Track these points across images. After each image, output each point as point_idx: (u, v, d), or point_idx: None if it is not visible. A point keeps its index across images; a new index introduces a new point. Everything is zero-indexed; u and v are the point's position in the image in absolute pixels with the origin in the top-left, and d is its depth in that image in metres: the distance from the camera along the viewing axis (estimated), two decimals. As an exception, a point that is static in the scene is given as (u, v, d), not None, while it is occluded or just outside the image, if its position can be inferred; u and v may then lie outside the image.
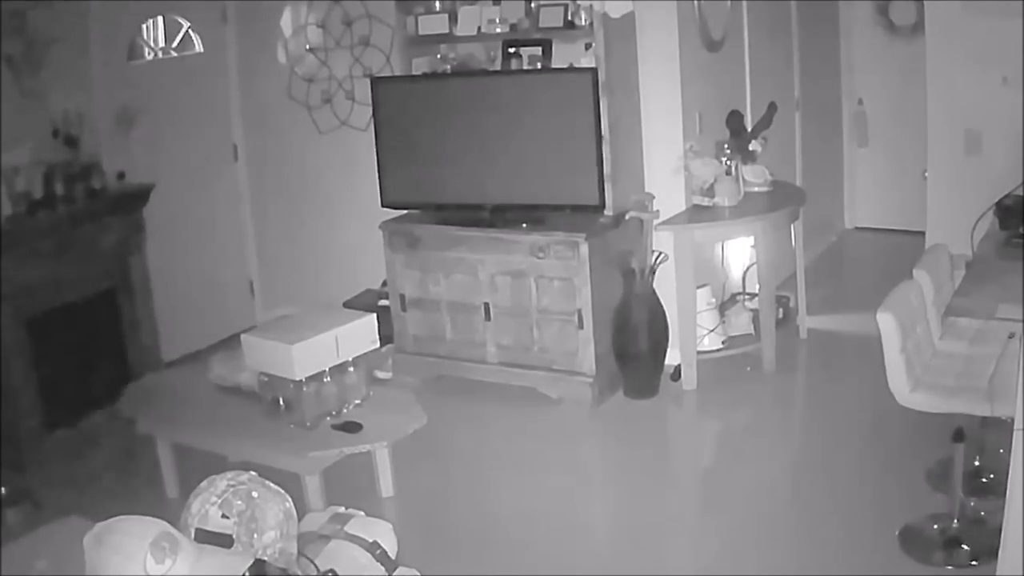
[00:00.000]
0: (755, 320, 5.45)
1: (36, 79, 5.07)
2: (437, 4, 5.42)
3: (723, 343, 5.37)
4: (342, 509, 2.31)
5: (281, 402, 4.12)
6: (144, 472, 4.52)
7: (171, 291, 5.79)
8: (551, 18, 5.11)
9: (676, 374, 5.23)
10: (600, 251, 4.96)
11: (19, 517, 4.19)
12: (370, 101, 5.45)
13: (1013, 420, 3.03)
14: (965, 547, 3.53)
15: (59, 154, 5.13)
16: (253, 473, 2.11)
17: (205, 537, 1.98)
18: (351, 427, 4.03)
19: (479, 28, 5.30)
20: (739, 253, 5.81)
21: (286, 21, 6.28)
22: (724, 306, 5.58)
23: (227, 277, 6.56)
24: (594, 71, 4.92)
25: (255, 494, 2.04)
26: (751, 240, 5.48)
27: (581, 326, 4.98)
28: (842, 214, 7.95)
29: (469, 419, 5.10)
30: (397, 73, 5.58)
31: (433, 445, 4.61)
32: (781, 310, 5.65)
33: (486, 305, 5.17)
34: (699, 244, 5.24)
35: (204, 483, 2.08)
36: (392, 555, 2.21)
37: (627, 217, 5.09)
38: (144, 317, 5.52)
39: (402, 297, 5.41)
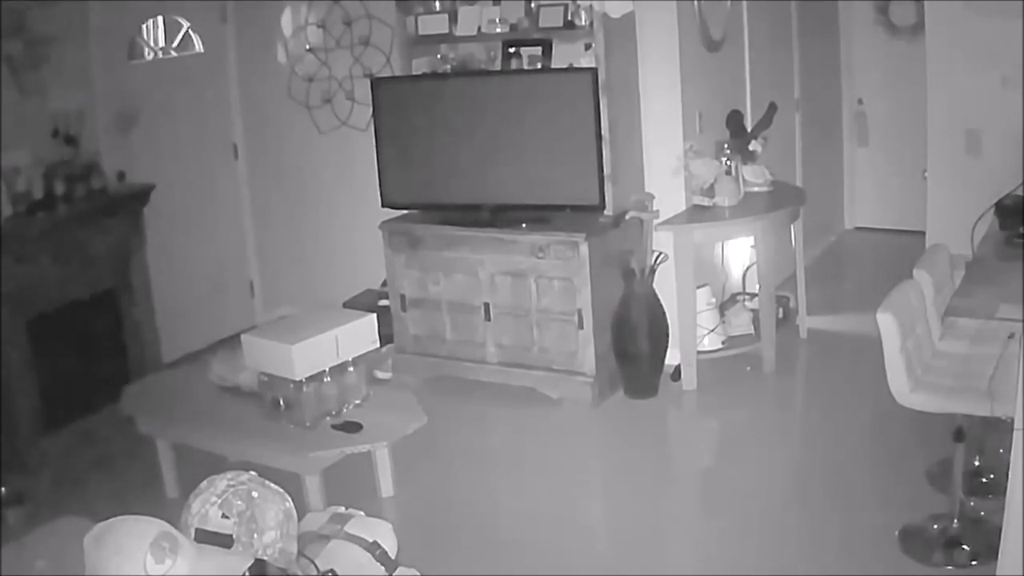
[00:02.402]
0: (755, 320, 5.45)
1: (36, 79, 5.07)
2: (437, 4, 5.42)
3: (723, 343, 5.37)
4: (342, 509, 2.30)
5: (281, 402, 4.12)
6: (144, 472, 4.52)
7: (171, 291, 5.79)
8: (551, 18, 5.11)
9: (676, 374, 5.23)
10: (600, 251, 4.96)
11: (19, 517, 4.19)
12: (370, 101, 5.45)
13: (1013, 420, 3.03)
14: (965, 547, 3.53)
15: (59, 154, 5.13)
16: (253, 473, 2.11)
17: (205, 537, 1.98)
18: (351, 427, 4.03)
19: (479, 28, 5.30)
20: (739, 253, 5.81)
21: (286, 21, 6.28)
22: (724, 306, 5.58)
23: (227, 277, 6.55)
24: (594, 71, 4.92)
25: (255, 494, 2.04)
26: (751, 240, 5.48)
27: (581, 326, 4.98)
28: (842, 214, 7.95)
29: (469, 419, 5.10)
30: (397, 73, 5.58)
31: (433, 445, 4.61)
32: (781, 310, 5.65)
33: (486, 305, 5.17)
34: (699, 244, 5.24)
35: (204, 483, 2.08)
36: (392, 555, 2.20)
37: (627, 217, 5.09)
38: (144, 317, 5.51)
39: (402, 297, 5.41)
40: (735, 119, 5.50)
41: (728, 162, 5.30)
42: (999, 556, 3.08)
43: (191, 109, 6.18)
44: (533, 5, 5.18)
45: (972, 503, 3.70)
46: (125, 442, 4.76)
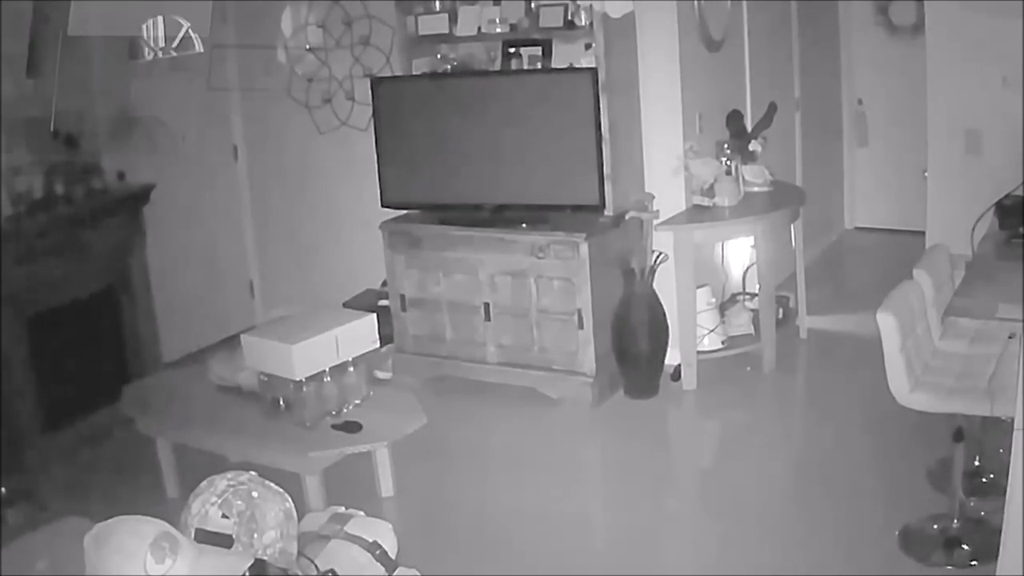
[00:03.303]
0: (755, 320, 5.45)
1: (36, 79, 5.07)
2: (437, 4, 5.42)
3: (723, 343, 5.37)
4: (342, 509, 2.30)
5: (281, 402, 4.12)
6: (144, 472, 4.52)
7: (171, 291, 5.79)
8: (551, 18, 5.11)
9: (676, 374, 5.23)
10: (600, 251, 4.96)
11: (19, 517, 4.19)
12: (370, 101, 5.45)
13: (1013, 420, 3.04)
14: (965, 547, 3.53)
15: (59, 154, 5.12)
16: (253, 473, 2.11)
17: (205, 537, 1.98)
18: (351, 427, 4.03)
19: (479, 28, 5.30)
20: (739, 253, 5.81)
21: (286, 21, 6.28)
22: (724, 306, 5.58)
23: (227, 277, 6.55)
24: (594, 71, 4.92)
25: (255, 494, 2.04)
26: (751, 240, 5.48)
27: (581, 326, 4.97)
28: (842, 214, 7.95)
29: (469, 419, 5.10)
30: (397, 73, 5.58)
31: (433, 445, 4.60)
32: (781, 310, 5.65)
33: (486, 305, 5.17)
34: (699, 244, 5.24)
35: (204, 483, 2.08)
36: (392, 555, 2.20)
37: (627, 217, 5.09)
38: (144, 317, 5.51)
39: (402, 297, 5.41)
40: (735, 119, 5.50)
41: (728, 162, 5.30)
42: (999, 556, 3.08)
43: (191, 109, 6.17)
44: (533, 5, 5.18)
45: (972, 503, 3.70)
46: (125, 442, 4.76)
